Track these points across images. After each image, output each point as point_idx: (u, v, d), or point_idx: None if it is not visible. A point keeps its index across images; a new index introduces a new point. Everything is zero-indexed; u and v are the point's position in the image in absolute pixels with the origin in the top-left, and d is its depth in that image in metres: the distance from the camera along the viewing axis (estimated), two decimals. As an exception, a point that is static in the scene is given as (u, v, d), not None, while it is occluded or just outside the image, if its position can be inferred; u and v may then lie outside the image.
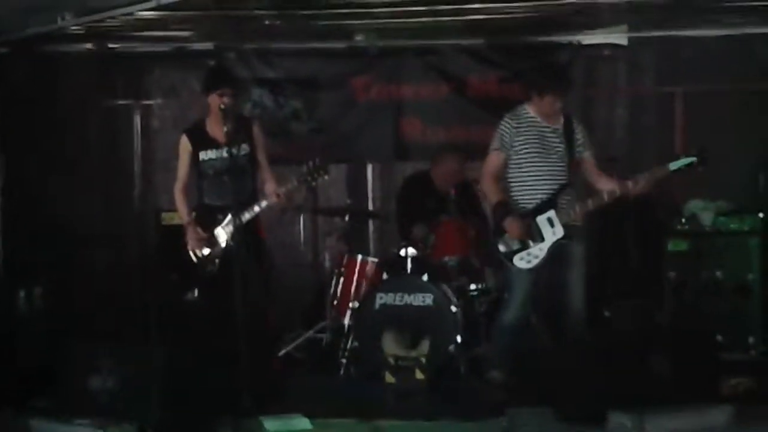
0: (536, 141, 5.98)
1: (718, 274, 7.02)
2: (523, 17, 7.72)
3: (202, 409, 5.30)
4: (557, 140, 5.99)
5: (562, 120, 6.03)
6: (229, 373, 5.37)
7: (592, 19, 7.97)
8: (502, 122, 6.07)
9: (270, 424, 5.34)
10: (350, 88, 8.57)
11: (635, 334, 5.89)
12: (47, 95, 8.07)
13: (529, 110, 6.06)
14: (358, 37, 8.40)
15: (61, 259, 7.61)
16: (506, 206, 6.00)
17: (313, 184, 5.99)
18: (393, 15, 7.71)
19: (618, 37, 8.22)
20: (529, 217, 5.92)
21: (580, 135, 6.05)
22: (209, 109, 6.07)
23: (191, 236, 6.04)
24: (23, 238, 7.70)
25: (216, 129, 6.02)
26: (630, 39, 8.18)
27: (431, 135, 8.49)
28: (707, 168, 5.74)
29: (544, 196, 5.93)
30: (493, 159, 6.10)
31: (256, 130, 6.19)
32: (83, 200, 8.23)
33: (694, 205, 7.32)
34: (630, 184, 5.80)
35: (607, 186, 5.92)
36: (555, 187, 5.93)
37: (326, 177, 5.92)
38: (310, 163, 5.88)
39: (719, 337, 6.46)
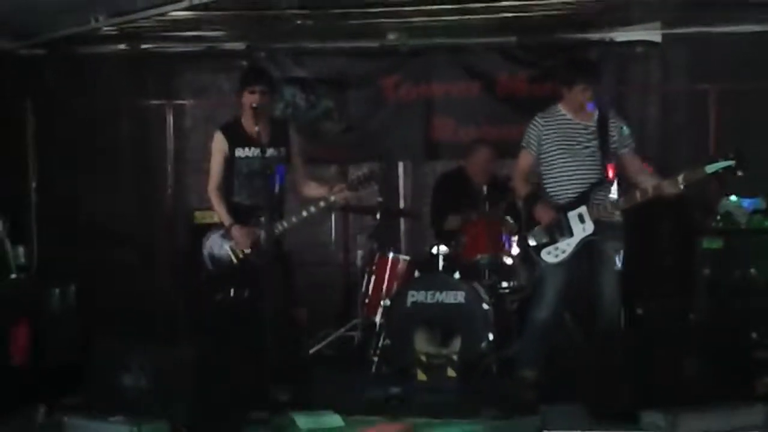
0: (565, 139, 5.94)
1: (753, 271, 6.93)
2: (555, 14, 7.70)
3: (234, 406, 5.32)
4: (590, 137, 5.92)
5: (595, 117, 5.98)
6: (261, 370, 5.38)
7: (625, 17, 7.92)
8: (533, 121, 6.07)
9: (301, 420, 5.35)
10: (381, 87, 8.59)
11: (668, 332, 5.81)
12: (81, 95, 8.14)
13: (561, 109, 6.03)
14: (390, 36, 8.41)
15: (95, 257, 7.68)
16: (536, 196, 6.00)
17: (358, 191, 6.00)
18: (423, 14, 7.71)
19: (651, 34, 8.15)
20: (560, 211, 5.89)
21: (615, 132, 5.98)
22: (243, 108, 6.06)
23: (239, 236, 5.99)
24: (57, 236, 7.80)
25: (253, 127, 6.00)
26: (663, 36, 8.10)
27: (462, 133, 8.46)
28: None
29: (576, 192, 5.89)
30: (523, 157, 6.12)
31: (293, 133, 6.19)
32: (116, 199, 8.30)
33: (728, 202, 7.25)
34: (666, 183, 5.72)
35: (645, 182, 5.83)
36: (587, 184, 5.88)
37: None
38: (360, 174, 5.90)
39: (753, 335, 6.39)
